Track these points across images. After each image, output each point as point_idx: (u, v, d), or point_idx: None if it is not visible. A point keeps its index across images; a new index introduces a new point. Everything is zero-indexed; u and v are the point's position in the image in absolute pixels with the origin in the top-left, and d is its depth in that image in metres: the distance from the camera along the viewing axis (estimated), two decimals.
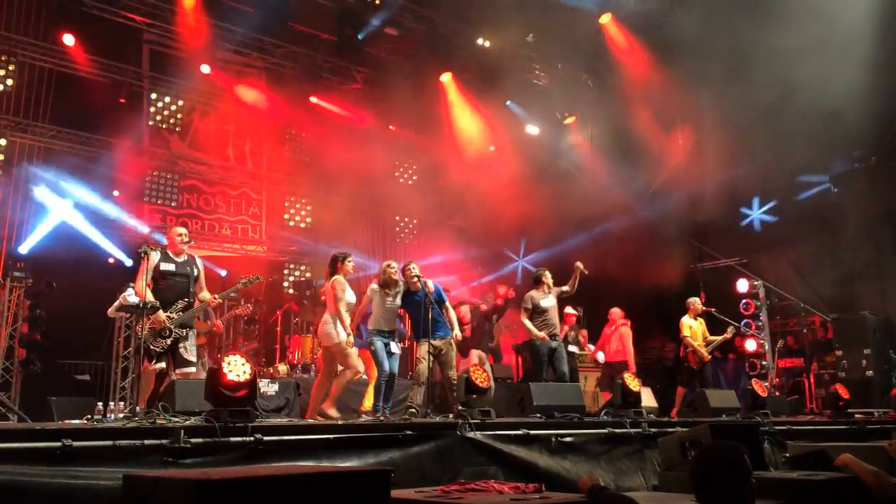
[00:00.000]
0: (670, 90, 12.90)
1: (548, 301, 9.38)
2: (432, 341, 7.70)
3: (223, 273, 12.24)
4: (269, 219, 14.31)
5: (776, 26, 11.00)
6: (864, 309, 12.37)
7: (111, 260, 11.76)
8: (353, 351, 7.51)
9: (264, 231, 14.21)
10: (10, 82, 11.48)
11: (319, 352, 10.81)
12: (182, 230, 7.10)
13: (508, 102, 14.82)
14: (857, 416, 9.81)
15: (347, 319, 7.38)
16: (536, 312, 9.29)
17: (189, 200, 13.36)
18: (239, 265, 12.79)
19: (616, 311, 11.70)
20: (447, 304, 8.15)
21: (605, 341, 11.71)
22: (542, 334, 9.11)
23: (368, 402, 8.86)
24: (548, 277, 9.51)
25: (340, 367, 7.59)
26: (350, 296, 7.55)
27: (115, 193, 12.23)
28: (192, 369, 6.78)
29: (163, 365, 6.65)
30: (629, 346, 11.51)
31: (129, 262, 11.25)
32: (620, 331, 11.52)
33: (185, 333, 6.73)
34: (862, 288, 12.98)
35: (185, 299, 6.79)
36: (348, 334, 7.31)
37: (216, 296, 7.24)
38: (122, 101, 12.47)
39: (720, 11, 11.21)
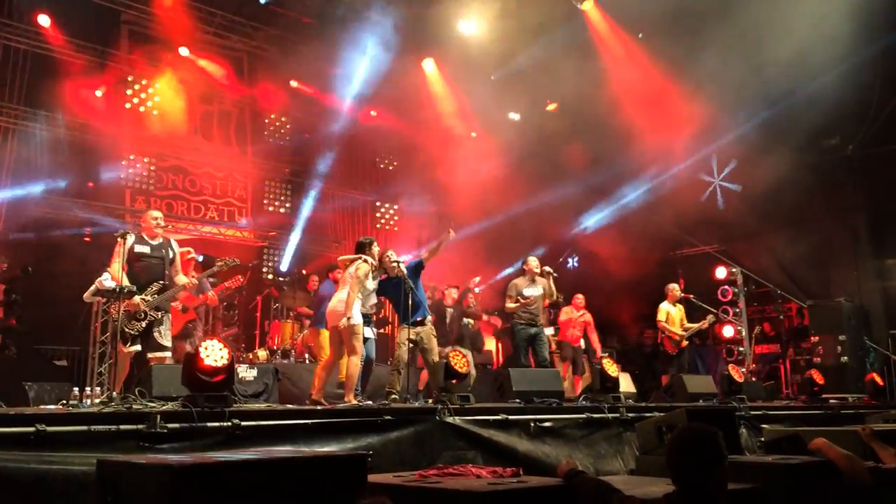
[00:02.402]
0: (650, 76, 12.90)
1: (532, 290, 9.39)
2: (412, 328, 7.69)
3: (200, 258, 12.11)
4: (254, 202, 14.22)
5: (753, 11, 11.05)
6: (840, 296, 12.53)
7: (87, 238, 11.64)
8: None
9: (250, 214, 14.12)
10: None
11: (301, 336, 10.86)
12: (157, 213, 7.13)
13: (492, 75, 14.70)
14: (831, 401, 9.97)
15: (358, 305, 7.31)
16: (521, 299, 9.32)
17: (175, 181, 13.18)
18: (223, 249, 12.65)
19: (581, 298, 11.67)
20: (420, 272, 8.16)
21: (568, 326, 11.64)
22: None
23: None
24: (531, 264, 9.48)
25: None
26: (370, 283, 7.53)
27: (91, 183, 12.08)
28: (167, 354, 6.79)
29: (138, 348, 6.66)
30: (593, 334, 11.64)
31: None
32: (586, 318, 11.55)
33: (159, 317, 6.74)
34: (838, 275, 13.15)
35: (161, 282, 6.81)
36: (349, 318, 7.22)
37: (194, 277, 7.23)
38: (100, 88, 12.26)
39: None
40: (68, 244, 11.18)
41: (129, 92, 12.80)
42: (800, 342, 13.36)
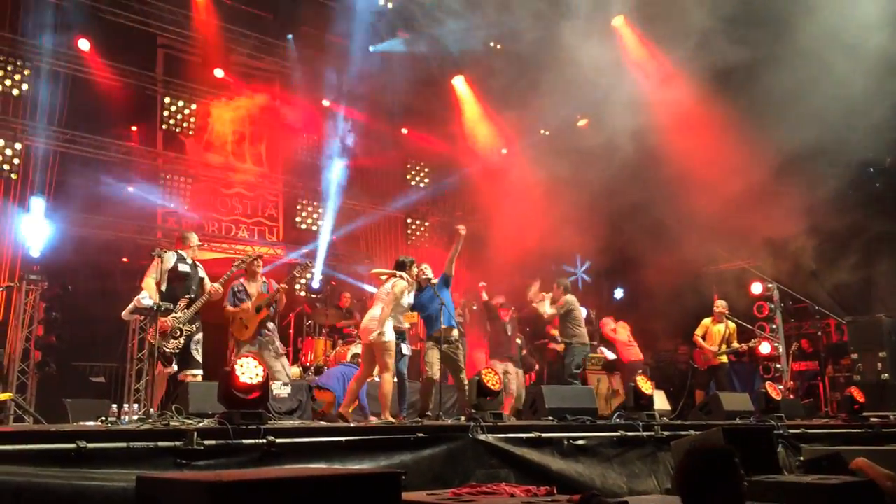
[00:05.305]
0: (683, 94, 12.81)
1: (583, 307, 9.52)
2: (442, 345, 7.69)
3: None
4: (285, 221, 14.36)
5: (789, 35, 10.95)
6: (880, 311, 12.27)
7: (125, 259, 11.84)
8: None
9: (281, 233, 14.26)
10: (25, 87, 11.55)
11: (334, 353, 10.89)
12: (196, 236, 7.41)
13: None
14: (872, 419, 9.73)
15: (391, 322, 7.38)
16: (572, 318, 9.38)
17: (206, 202, 13.39)
18: None
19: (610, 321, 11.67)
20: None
21: (626, 343, 11.56)
22: None
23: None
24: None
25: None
26: (405, 300, 7.61)
27: (130, 189, 12.29)
28: (200, 371, 6.87)
29: (177, 368, 6.75)
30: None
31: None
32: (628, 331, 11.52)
33: (194, 329, 6.87)
34: (877, 290, 12.88)
35: (188, 296, 6.99)
36: (380, 334, 7.29)
37: (218, 284, 7.30)
38: (136, 110, 12.49)
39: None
40: (105, 263, 11.40)
41: (164, 114, 13.04)
42: (839, 359, 13.09)
